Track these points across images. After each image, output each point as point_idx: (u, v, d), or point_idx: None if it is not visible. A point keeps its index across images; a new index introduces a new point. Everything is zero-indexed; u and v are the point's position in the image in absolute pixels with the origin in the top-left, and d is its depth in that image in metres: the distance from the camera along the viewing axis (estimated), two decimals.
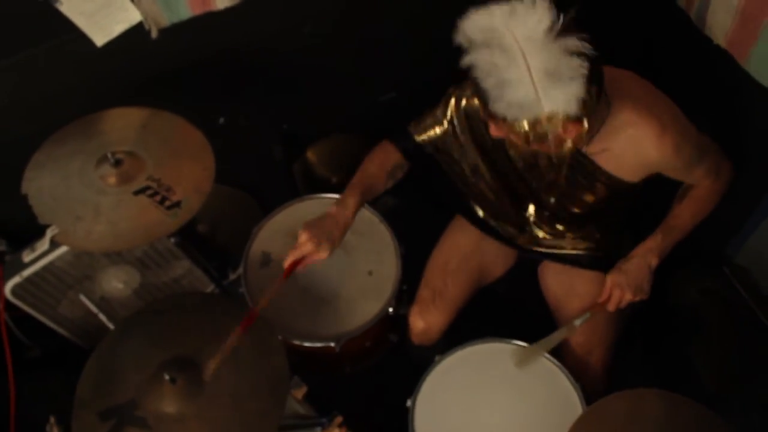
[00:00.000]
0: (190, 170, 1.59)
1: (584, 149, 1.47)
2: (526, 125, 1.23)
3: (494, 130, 1.34)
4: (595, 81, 1.22)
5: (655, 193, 1.60)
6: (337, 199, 1.64)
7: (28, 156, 1.60)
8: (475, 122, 1.58)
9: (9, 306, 2.01)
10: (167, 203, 1.54)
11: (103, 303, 2.17)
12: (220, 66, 1.92)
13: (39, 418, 2.15)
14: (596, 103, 1.26)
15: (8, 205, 1.63)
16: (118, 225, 1.53)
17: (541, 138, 1.25)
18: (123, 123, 1.67)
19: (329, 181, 2.33)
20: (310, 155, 2.32)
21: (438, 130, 1.64)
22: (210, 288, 2.35)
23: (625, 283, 1.58)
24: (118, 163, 1.54)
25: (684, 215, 1.61)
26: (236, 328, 1.48)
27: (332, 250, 1.57)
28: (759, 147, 1.65)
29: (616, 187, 1.54)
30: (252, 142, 2.20)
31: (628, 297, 1.58)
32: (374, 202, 2.41)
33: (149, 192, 1.55)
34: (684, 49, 1.84)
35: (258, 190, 2.36)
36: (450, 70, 1.42)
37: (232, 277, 2.40)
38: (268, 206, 2.37)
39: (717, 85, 1.71)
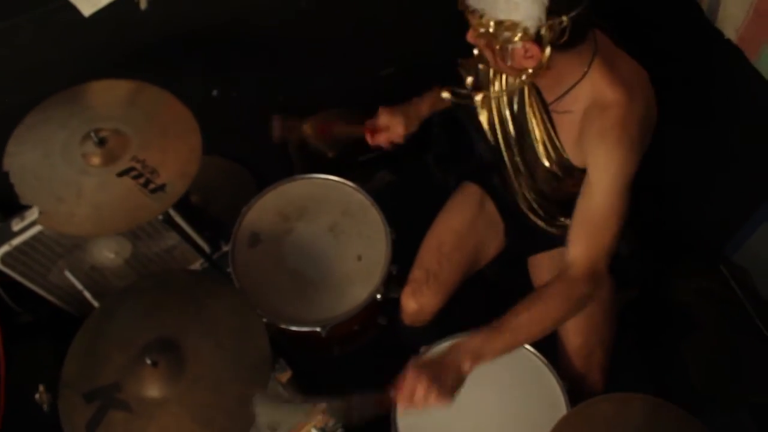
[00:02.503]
0: (176, 151, 1.55)
1: (549, 102, 1.46)
2: (492, 24, 1.26)
3: (470, 35, 1.34)
4: (562, 15, 1.23)
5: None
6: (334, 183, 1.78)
7: (12, 129, 1.57)
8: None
9: None
10: (151, 186, 1.50)
11: (95, 272, 2.16)
12: (214, 37, 1.86)
13: (29, 386, 2.16)
14: (559, 42, 1.26)
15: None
16: (100, 208, 1.49)
17: (504, 50, 1.30)
18: (109, 97, 1.62)
19: (325, 156, 2.28)
20: (306, 129, 2.26)
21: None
22: (200, 261, 2.34)
23: (426, 377, 1.31)
24: (101, 142, 1.49)
25: (521, 317, 1.36)
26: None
27: (406, 129, 1.72)
28: (763, 146, 1.60)
29: (563, 165, 1.50)
30: (247, 114, 2.15)
31: (422, 391, 1.30)
32: (370, 177, 2.39)
33: (133, 173, 1.51)
34: (692, 41, 1.77)
35: (252, 163, 2.32)
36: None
37: (225, 249, 2.39)
38: (262, 178, 2.35)
39: (723, 80, 1.65)
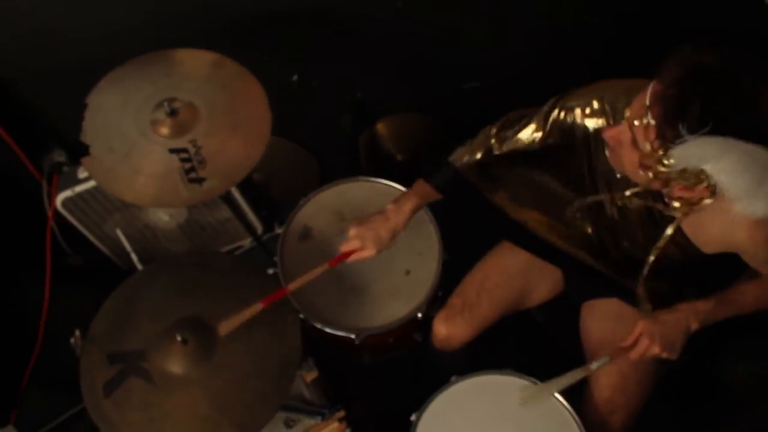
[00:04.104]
0: (235, 151, 1.51)
1: None
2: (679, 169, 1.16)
3: (629, 153, 1.21)
4: None
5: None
6: (395, 191, 1.64)
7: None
8: (569, 139, 1.47)
9: (57, 214, 2.05)
10: (192, 175, 1.47)
11: (147, 231, 2.19)
12: (305, 22, 1.84)
13: (67, 328, 2.21)
14: None
15: (78, 119, 1.61)
16: (137, 174, 1.47)
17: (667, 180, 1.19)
18: (194, 66, 1.60)
19: (393, 158, 2.24)
20: (380, 128, 2.23)
21: (526, 138, 1.53)
22: (251, 240, 2.34)
23: (657, 334, 1.43)
24: (173, 112, 1.48)
25: (747, 294, 1.45)
26: (259, 301, 1.44)
27: (379, 250, 1.55)
28: None
29: (689, 252, 1.41)
30: (322, 103, 2.13)
31: (655, 351, 1.43)
32: None
33: (183, 156, 1.48)
34: None
35: (320, 152, 2.30)
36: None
37: (278, 231, 2.38)
38: (327, 169, 2.33)
39: None
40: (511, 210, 1.66)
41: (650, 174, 1.20)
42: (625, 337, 1.57)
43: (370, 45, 1.97)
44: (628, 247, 1.55)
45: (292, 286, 1.48)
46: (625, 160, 1.25)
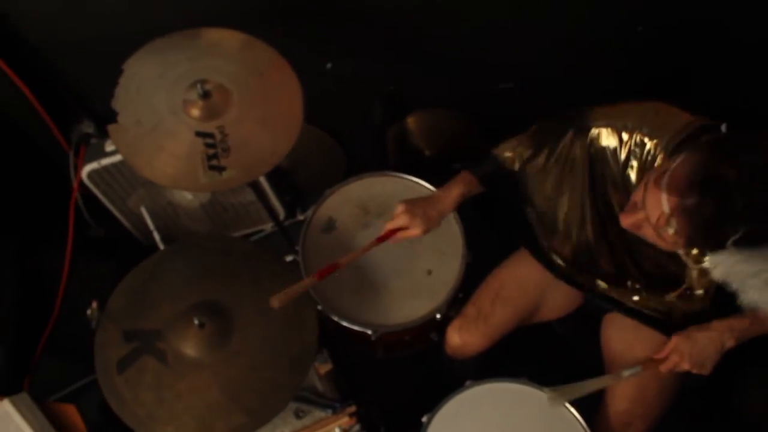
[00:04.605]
0: (261, 145, 1.47)
1: None
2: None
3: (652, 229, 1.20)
4: None
5: None
6: (423, 189, 1.63)
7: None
8: (600, 165, 1.44)
9: (82, 186, 2.05)
10: (213, 162, 1.43)
11: (170, 208, 2.18)
12: (343, 10, 1.81)
13: (84, 299, 2.22)
14: None
15: (109, 91, 1.59)
16: (159, 151, 1.44)
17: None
18: (237, 52, 1.55)
19: (421, 153, 2.21)
20: (410, 122, 2.20)
21: (547, 153, 1.51)
22: (272, 225, 2.33)
23: (690, 351, 1.44)
24: (205, 95, 1.46)
25: None
26: (314, 274, 1.43)
27: (426, 230, 1.52)
28: None
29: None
30: (354, 93, 2.10)
31: (686, 367, 1.44)
32: None
33: (208, 141, 1.45)
34: None
35: (348, 142, 2.27)
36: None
37: (300, 217, 2.37)
38: (353, 160, 2.31)
39: None
40: (537, 227, 1.65)
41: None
42: (646, 348, 1.56)
43: (406, 38, 1.94)
44: (649, 268, 1.53)
45: (344, 261, 1.46)
46: (648, 238, 1.24)
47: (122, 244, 2.32)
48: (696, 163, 1.09)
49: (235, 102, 1.49)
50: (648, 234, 1.22)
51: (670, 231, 1.14)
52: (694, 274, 1.42)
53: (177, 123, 1.48)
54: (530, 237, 1.68)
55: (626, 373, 1.49)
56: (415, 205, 1.52)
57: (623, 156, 1.36)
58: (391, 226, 1.52)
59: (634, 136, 1.34)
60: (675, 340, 1.46)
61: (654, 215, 1.16)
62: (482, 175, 1.59)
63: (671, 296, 1.55)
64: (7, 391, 1.67)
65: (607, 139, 1.39)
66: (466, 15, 1.86)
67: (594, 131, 1.40)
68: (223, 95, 1.48)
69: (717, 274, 1.18)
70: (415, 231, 1.50)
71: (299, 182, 2.33)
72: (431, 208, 1.54)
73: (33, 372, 2.11)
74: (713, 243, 1.13)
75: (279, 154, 1.47)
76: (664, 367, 1.46)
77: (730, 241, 1.08)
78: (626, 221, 1.25)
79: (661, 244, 1.21)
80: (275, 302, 1.36)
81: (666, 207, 1.12)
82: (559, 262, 1.65)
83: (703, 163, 1.08)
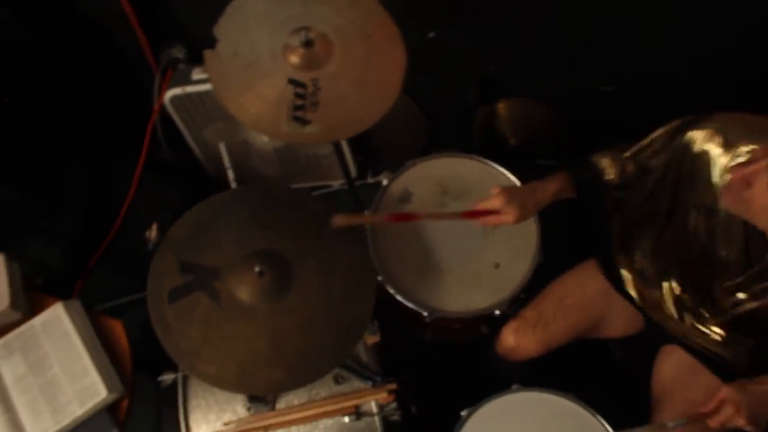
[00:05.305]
0: (351, 108, 1.41)
1: None
2: None
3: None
4: None
5: None
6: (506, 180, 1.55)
7: None
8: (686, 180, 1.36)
9: (162, 109, 2.05)
10: (299, 113, 1.38)
11: (243, 147, 2.17)
12: None
13: (144, 219, 2.24)
14: None
15: (210, 21, 1.56)
16: (248, 89, 1.40)
17: None
18: (352, 8, 1.50)
19: (506, 140, 2.14)
20: (501, 107, 2.12)
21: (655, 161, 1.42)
22: (340, 181, 2.30)
23: (743, 404, 1.33)
24: (308, 43, 1.41)
25: None
26: (385, 214, 1.44)
27: (520, 219, 1.41)
28: None
29: None
30: (451, 68, 2.03)
31: (739, 422, 1.33)
32: None
33: (299, 90, 1.39)
34: None
35: (434, 115, 2.21)
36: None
37: (369, 180, 2.33)
38: (435, 134, 2.24)
39: None
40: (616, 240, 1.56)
41: None
42: (699, 392, 1.48)
43: (517, 22, 1.85)
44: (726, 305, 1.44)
45: (423, 217, 1.44)
46: (756, 203, 1.14)
47: (189, 172, 2.32)
48: None
49: (336, 58, 1.43)
50: (758, 198, 1.14)
51: None
52: None
53: (273, 65, 1.43)
54: (606, 250, 1.60)
55: (671, 424, 1.39)
56: (513, 191, 1.43)
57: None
58: (483, 206, 1.42)
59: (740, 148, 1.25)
60: (726, 391, 1.35)
61: None
62: (579, 181, 1.50)
63: (743, 341, 1.47)
64: (57, 292, 1.69)
65: (714, 152, 1.30)
66: (579, 11, 1.77)
67: (703, 144, 1.32)
68: (325, 48, 1.43)
69: None
70: (507, 217, 1.40)
71: (376, 145, 2.28)
72: (529, 197, 1.44)
73: (85, 279, 2.15)
74: None
75: (366, 122, 1.42)
76: (715, 422, 1.35)
77: None
78: (739, 172, 1.16)
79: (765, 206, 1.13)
80: (338, 220, 1.34)
81: None
82: (629, 279, 1.57)
83: None
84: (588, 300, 1.64)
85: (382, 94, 1.44)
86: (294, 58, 1.41)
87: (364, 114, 1.42)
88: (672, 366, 1.61)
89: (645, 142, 1.44)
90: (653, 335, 1.64)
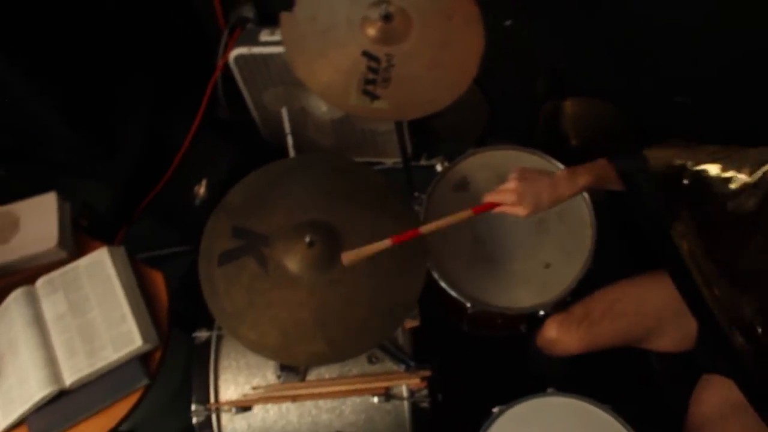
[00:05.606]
0: (423, 88, 1.38)
1: None
2: None
3: None
4: None
5: None
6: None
7: None
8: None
9: (226, 67, 2.05)
10: (369, 87, 1.36)
11: (300, 115, 2.15)
12: None
13: (196, 174, 2.24)
14: None
15: None
16: (320, 57, 1.39)
17: None
18: None
19: (567, 140, 2.09)
20: (567, 105, 2.07)
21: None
22: (394, 160, 2.27)
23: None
24: (387, 17, 1.38)
25: None
26: (389, 238, 1.33)
27: (532, 213, 1.36)
28: None
29: None
30: (522, 59, 1.98)
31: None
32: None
33: (372, 65, 1.37)
34: None
35: (498, 104, 2.16)
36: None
37: (422, 162, 2.30)
38: (495, 124, 2.20)
39: None
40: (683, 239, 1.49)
41: None
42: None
43: (599, 21, 1.79)
44: None
45: (425, 229, 1.35)
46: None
47: (244, 133, 2.32)
48: None
49: (414, 36, 1.41)
50: None
51: None
52: None
53: (349, 35, 1.42)
54: (679, 264, 1.53)
55: None
56: (529, 183, 1.36)
57: None
58: (493, 199, 1.37)
59: None
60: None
61: None
62: (623, 170, 1.39)
63: None
64: (100, 235, 1.71)
65: None
66: (663, 15, 1.70)
67: None
68: (404, 24, 1.40)
69: None
70: (518, 210, 1.35)
71: (434, 127, 2.25)
72: (546, 191, 1.36)
73: (129, 226, 2.17)
74: None
75: (436, 106, 1.40)
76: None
77: None
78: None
79: None
80: (345, 259, 1.29)
81: None
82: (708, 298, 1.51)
83: None
84: (643, 312, 1.57)
85: (455, 79, 1.41)
86: (371, 31, 1.39)
87: (435, 96, 1.40)
88: (717, 399, 1.53)
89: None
90: (701, 359, 1.59)
